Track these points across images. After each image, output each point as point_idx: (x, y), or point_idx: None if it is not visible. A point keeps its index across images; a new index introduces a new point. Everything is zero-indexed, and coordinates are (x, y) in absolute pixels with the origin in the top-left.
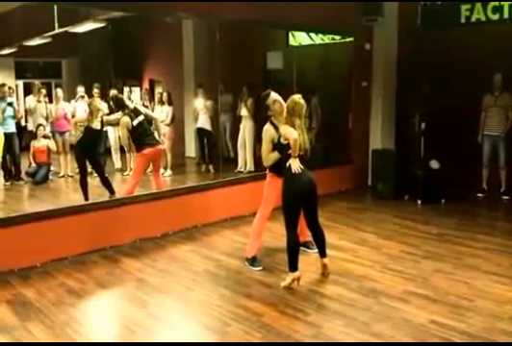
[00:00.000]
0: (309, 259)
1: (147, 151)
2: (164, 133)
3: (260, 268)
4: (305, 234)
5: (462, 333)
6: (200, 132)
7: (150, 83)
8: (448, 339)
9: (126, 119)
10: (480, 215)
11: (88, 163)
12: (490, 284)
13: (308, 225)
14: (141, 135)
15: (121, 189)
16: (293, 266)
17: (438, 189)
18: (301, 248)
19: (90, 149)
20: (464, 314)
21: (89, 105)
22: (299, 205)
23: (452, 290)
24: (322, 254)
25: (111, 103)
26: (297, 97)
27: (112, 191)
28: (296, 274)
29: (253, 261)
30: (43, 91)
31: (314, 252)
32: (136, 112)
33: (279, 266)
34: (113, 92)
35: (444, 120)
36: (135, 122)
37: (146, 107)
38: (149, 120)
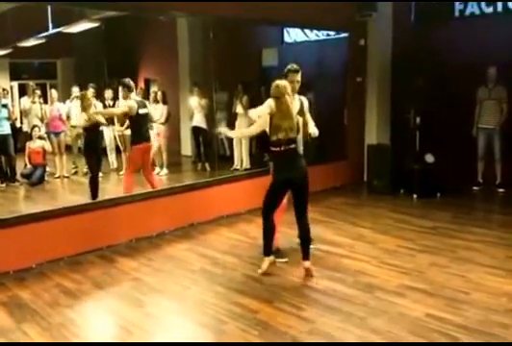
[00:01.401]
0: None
1: (142, 146)
2: (158, 132)
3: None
4: None
5: (458, 327)
6: (196, 130)
7: (145, 82)
8: (445, 333)
9: (133, 104)
10: (476, 208)
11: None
12: (486, 276)
13: (296, 219)
14: (142, 128)
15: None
16: (266, 250)
17: (433, 183)
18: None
19: (96, 144)
20: (460, 307)
21: (83, 98)
22: (278, 194)
23: (448, 284)
24: (305, 256)
25: (106, 102)
26: (277, 81)
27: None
28: (271, 258)
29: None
30: (38, 92)
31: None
32: (142, 104)
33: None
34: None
35: (439, 114)
36: (140, 111)
37: None
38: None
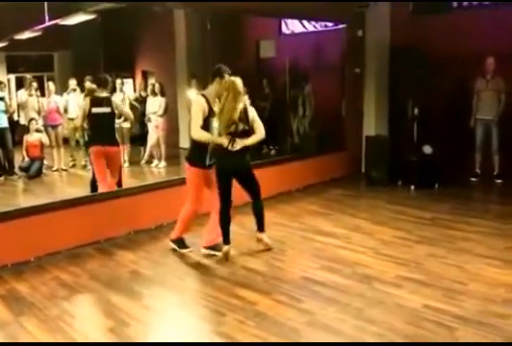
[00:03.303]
0: (302, 246)
1: (96, 149)
2: (157, 124)
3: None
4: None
5: (455, 317)
6: None
7: (143, 74)
8: (442, 323)
9: (87, 101)
10: (474, 199)
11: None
12: (483, 267)
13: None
14: (96, 129)
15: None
16: (223, 239)
17: (431, 174)
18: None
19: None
20: (457, 298)
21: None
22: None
23: (445, 274)
24: (259, 228)
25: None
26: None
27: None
28: (225, 248)
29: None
30: (35, 85)
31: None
32: (104, 102)
33: (272, 255)
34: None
35: (437, 105)
36: (94, 110)
37: (144, 98)
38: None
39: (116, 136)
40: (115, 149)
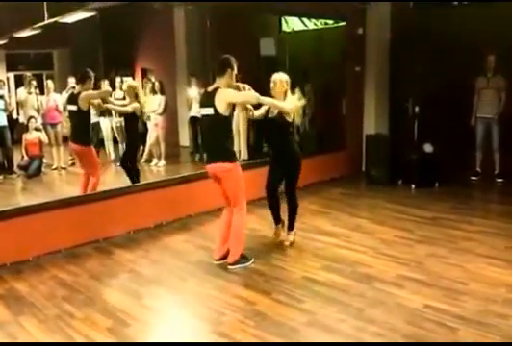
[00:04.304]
0: (302, 246)
1: (70, 145)
2: (156, 122)
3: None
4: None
5: (456, 317)
6: (194, 121)
7: (142, 72)
8: (442, 323)
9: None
10: (474, 198)
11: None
12: (484, 267)
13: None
14: (71, 126)
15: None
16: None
17: (432, 173)
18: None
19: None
20: (458, 298)
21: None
22: None
23: (446, 274)
24: (288, 227)
25: None
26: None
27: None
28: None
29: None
30: (34, 83)
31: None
32: (73, 98)
33: (273, 254)
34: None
35: (437, 103)
36: (68, 107)
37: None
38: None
39: (86, 136)
40: (80, 149)
